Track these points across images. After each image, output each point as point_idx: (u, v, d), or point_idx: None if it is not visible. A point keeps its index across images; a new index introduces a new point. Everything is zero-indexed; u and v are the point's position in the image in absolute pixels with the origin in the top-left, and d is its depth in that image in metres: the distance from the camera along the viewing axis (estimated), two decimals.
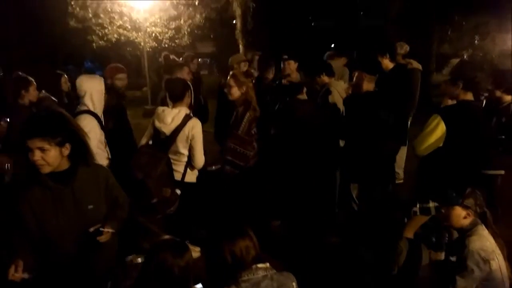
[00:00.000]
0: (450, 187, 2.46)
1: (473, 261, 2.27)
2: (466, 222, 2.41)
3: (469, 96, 3.12)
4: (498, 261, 2.30)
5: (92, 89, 3.26)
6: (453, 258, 2.48)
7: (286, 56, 5.31)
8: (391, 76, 4.40)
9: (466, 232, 2.40)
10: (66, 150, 1.97)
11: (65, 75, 4.93)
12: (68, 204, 2.04)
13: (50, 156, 1.90)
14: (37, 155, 1.87)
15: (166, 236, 2.01)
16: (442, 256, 3.32)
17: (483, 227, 2.40)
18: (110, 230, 2.08)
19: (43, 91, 4.14)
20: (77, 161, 2.06)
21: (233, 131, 3.69)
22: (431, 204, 3.14)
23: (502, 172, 3.72)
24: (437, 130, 3.03)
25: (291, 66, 5.18)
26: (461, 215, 2.41)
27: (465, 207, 2.39)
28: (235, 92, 3.74)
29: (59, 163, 1.97)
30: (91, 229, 2.05)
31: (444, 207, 2.47)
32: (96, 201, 2.14)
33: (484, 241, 2.32)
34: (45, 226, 2.02)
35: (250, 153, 3.73)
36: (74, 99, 4.67)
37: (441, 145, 3.07)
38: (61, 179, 2.00)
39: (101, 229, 2.06)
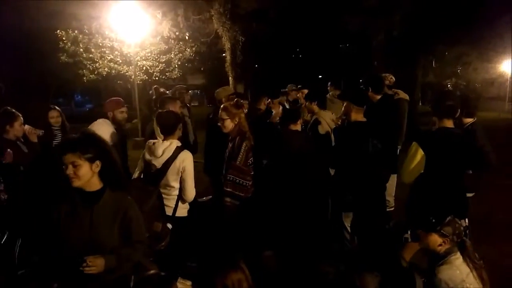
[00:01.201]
0: (431, 212, 2.48)
1: None
2: (442, 249, 2.41)
3: (448, 123, 3.20)
4: None
5: (101, 134, 3.31)
6: None
7: (300, 86, 5.30)
8: (379, 106, 4.52)
9: (439, 260, 2.40)
10: (97, 168, 2.13)
11: (56, 109, 4.89)
12: (85, 224, 2.13)
13: (81, 171, 2.08)
14: (70, 169, 2.07)
15: (152, 271, 1.98)
16: None
17: (457, 255, 2.39)
18: (91, 262, 2.03)
19: (26, 125, 4.14)
20: (107, 183, 2.19)
21: (231, 162, 3.69)
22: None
23: (471, 194, 3.81)
24: (416, 156, 3.13)
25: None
26: (437, 242, 2.41)
27: (442, 235, 2.40)
28: (229, 124, 3.76)
29: (89, 180, 2.13)
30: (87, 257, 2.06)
31: (422, 232, 2.48)
32: (109, 229, 2.16)
33: (454, 271, 2.32)
34: (61, 238, 2.15)
35: (249, 183, 3.73)
36: (67, 131, 4.67)
37: (422, 170, 3.13)
38: (88, 199, 2.15)
39: (85, 258, 2.03)
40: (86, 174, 2.10)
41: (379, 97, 4.73)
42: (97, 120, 4.16)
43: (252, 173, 3.78)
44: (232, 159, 3.69)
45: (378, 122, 3.88)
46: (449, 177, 3.15)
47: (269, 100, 5.54)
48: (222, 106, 3.89)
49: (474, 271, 2.34)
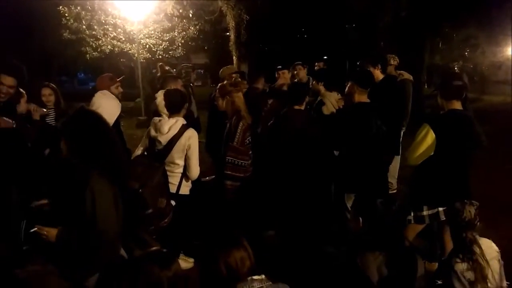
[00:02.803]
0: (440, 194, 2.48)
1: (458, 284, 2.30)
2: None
3: (456, 105, 3.14)
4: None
5: (106, 108, 3.27)
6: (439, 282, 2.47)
7: (280, 66, 5.42)
8: (380, 87, 4.48)
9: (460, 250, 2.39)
10: (66, 145, 2.24)
11: (50, 86, 4.70)
12: (60, 194, 2.28)
13: (61, 144, 2.24)
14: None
15: (154, 248, 1.98)
16: (435, 266, 3.34)
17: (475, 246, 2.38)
18: (39, 229, 2.18)
19: (32, 104, 4.13)
20: (79, 160, 2.24)
21: (228, 143, 3.69)
22: (425, 212, 3.16)
23: None
24: (427, 139, 3.07)
25: (285, 75, 5.28)
26: None
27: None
28: (221, 103, 3.81)
29: (68, 154, 2.26)
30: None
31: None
32: (72, 203, 2.19)
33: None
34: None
35: (247, 163, 3.73)
36: (64, 110, 4.61)
37: (432, 153, 3.10)
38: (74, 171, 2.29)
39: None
40: (64, 148, 2.25)
41: (382, 76, 4.72)
42: (97, 94, 3.93)
43: (250, 152, 3.79)
44: (229, 140, 3.70)
45: (382, 104, 3.84)
46: (460, 160, 3.11)
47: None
48: (219, 85, 3.91)
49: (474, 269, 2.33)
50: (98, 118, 2.30)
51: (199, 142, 3.53)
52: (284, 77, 5.31)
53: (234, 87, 3.80)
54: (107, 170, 2.19)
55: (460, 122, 3.10)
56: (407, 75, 5.37)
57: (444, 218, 3.18)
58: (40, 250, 2.35)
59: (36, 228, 2.19)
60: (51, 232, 2.17)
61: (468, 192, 3.14)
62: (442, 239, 3.28)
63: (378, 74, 4.69)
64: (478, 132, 3.18)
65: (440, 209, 3.16)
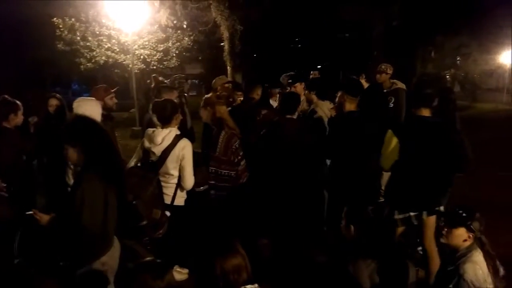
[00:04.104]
0: (459, 207, 2.45)
1: None
2: (465, 244, 2.40)
3: (424, 112, 3.12)
4: None
5: (89, 112, 3.28)
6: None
7: (290, 81, 5.28)
8: (368, 96, 4.57)
9: (461, 257, 2.39)
10: (75, 151, 2.32)
11: (56, 97, 4.83)
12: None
13: (68, 153, 2.32)
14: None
15: (147, 258, 2.00)
16: None
17: (478, 252, 2.38)
18: (35, 214, 2.31)
19: (35, 117, 4.20)
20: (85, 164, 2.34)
21: (210, 154, 3.73)
22: (397, 216, 3.17)
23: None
24: (391, 144, 3.14)
25: (298, 89, 5.10)
26: (462, 237, 2.39)
27: (470, 230, 2.38)
28: (202, 113, 3.94)
29: (76, 160, 2.35)
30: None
31: (447, 226, 2.45)
32: (71, 203, 2.27)
33: (477, 270, 2.32)
34: None
35: (233, 173, 3.73)
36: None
37: (396, 158, 3.15)
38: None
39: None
40: (71, 156, 2.33)
41: (366, 85, 4.85)
42: (76, 104, 3.81)
43: (237, 160, 3.78)
44: (211, 151, 3.74)
45: (371, 112, 3.90)
46: (426, 165, 3.08)
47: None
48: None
49: (491, 268, 2.34)
50: (94, 123, 2.45)
51: (194, 152, 3.54)
52: (297, 91, 5.16)
53: (218, 99, 3.87)
54: (105, 171, 2.30)
55: (422, 129, 3.09)
56: (400, 84, 5.44)
57: (417, 223, 3.17)
58: (32, 263, 2.38)
59: (32, 212, 2.32)
60: (44, 218, 2.32)
61: (437, 199, 3.14)
62: (423, 245, 3.23)
63: (364, 84, 4.81)
64: (454, 140, 3.14)
65: (412, 213, 3.15)
